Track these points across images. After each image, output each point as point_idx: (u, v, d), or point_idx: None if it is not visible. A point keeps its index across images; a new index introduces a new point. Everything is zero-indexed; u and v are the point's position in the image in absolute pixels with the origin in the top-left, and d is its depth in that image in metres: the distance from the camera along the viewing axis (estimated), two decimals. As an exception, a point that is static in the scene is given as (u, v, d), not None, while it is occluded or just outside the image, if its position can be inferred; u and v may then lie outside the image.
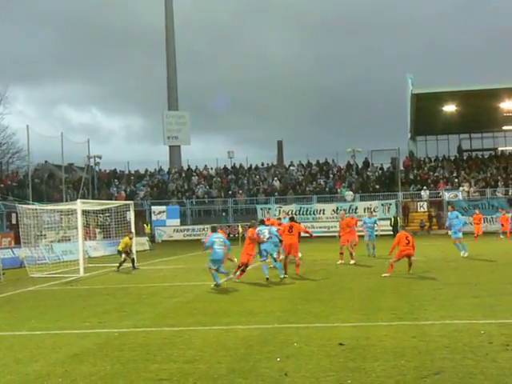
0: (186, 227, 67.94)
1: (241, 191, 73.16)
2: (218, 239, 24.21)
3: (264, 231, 25.60)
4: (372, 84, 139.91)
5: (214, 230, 25.90)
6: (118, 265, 33.52)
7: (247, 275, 27.24)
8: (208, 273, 24.58)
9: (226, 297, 21.54)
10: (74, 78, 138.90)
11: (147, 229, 59.37)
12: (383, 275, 25.16)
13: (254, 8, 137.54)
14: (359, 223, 36.27)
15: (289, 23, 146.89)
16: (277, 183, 73.98)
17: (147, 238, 55.21)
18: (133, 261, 34.26)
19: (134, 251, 34.48)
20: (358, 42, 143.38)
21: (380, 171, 75.22)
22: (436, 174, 72.30)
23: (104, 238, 43.67)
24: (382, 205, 63.98)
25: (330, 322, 15.92)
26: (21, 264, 35.60)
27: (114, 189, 74.98)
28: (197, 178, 78.00)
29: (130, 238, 34.54)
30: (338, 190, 69.68)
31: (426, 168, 74.23)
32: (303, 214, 62.16)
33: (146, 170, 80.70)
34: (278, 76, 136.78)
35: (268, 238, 25.39)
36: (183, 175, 79.44)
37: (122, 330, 15.73)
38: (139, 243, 44.79)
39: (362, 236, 35.83)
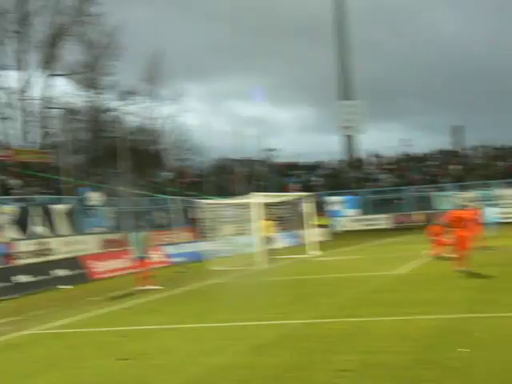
0: (363, 217, 67.60)
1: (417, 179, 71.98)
2: None
3: None
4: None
5: None
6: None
7: (430, 265, 26.82)
8: (387, 262, 24.26)
9: (406, 287, 21.21)
10: (243, 70, 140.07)
11: (323, 220, 59.29)
12: None
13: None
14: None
15: (465, 2, 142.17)
16: (455, 170, 72.25)
17: (326, 229, 55.32)
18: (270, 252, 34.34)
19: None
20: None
21: None
22: None
23: (281, 230, 44.03)
24: None
25: (516, 311, 15.34)
26: (202, 257, 36.45)
27: (290, 181, 75.55)
28: (372, 166, 77.40)
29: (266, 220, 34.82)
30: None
31: None
32: (483, 201, 60.20)
33: (320, 161, 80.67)
34: (454, 58, 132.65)
35: None
36: (359, 164, 79.01)
37: (303, 321, 15.77)
38: (317, 234, 44.88)
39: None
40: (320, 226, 55.78)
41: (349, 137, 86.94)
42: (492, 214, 35.59)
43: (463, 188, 66.46)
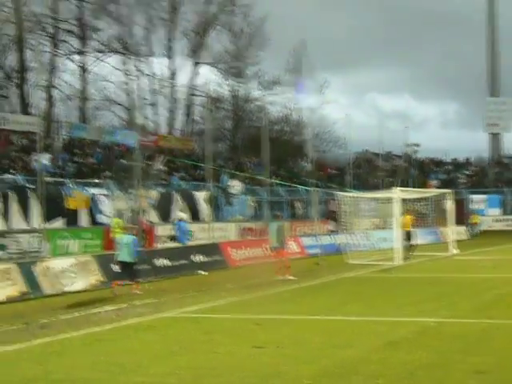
0: (507, 217, 65.78)
1: None
2: None
3: None
4: None
5: None
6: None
7: None
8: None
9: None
10: (386, 63, 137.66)
11: (475, 219, 58.45)
12: None
13: None
14: None
15: None
16: None
17: (465, 228, 54.22)
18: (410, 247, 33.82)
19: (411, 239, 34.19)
20: None
21: None
22: None
23: (420, 226, 43.34)
24: None
25: None
26: (339, 250, 36.33)
27: (431, 177, 74.28)
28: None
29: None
30: None
31: None
32: None
33: (464, 158, 78.95)
34: None
35: None
36: (504, 163, 76.82)
37: (439, 320, 15.47)
38: (457, 232, 43.99)
39: None
40: (470, 224, 54.97)
41: (495, 134, 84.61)
42: None
43: None
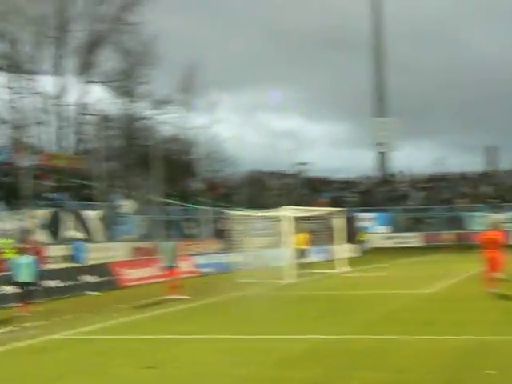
0: (393, 234, 67.35)
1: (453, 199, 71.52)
2: None
3: None
4: None
5: None
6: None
7: (459, 285, 26.65)
8: (416, 281, 24.09)
9: (435, 306, 21.05)
10: (278, 83, 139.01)
11: (363, 236, 59.70)
12: None
13: (470, 8, 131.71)
14: None
15: (504, 24, 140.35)
16: (487, 190, 71.73)
17: (357, 245, 55.26)
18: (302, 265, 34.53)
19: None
20: None
21: None
22: None
23: (311, 244, 43.86)
24: None
25: (546, 334, 15.14)
26: (230, 269, 36.44)
27: (321, 196, 75.39)
28: (405, 184, 77.10)
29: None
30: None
31: None
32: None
33: (353, 177, 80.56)
34: (494, 79, 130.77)
35: None
36: (391, 181, 78.71)
37: (329, 337, 15.69)
38: (347, 250, 44.73)
39: None
40: (359, 241, 56.05)
41: (382, 153, 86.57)
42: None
43: (495, 209, 65.93)
